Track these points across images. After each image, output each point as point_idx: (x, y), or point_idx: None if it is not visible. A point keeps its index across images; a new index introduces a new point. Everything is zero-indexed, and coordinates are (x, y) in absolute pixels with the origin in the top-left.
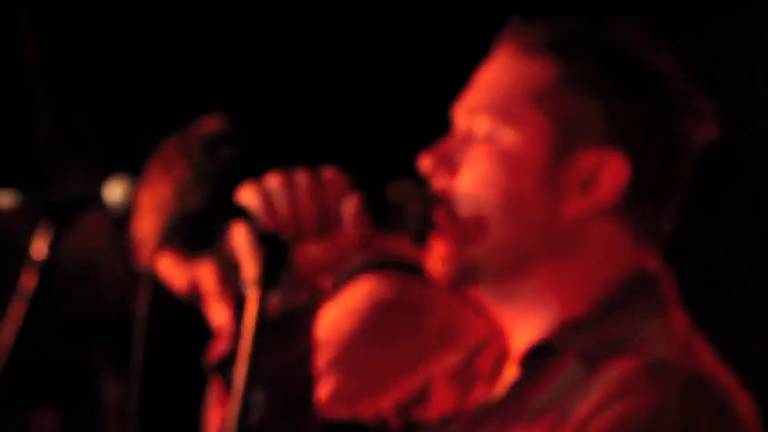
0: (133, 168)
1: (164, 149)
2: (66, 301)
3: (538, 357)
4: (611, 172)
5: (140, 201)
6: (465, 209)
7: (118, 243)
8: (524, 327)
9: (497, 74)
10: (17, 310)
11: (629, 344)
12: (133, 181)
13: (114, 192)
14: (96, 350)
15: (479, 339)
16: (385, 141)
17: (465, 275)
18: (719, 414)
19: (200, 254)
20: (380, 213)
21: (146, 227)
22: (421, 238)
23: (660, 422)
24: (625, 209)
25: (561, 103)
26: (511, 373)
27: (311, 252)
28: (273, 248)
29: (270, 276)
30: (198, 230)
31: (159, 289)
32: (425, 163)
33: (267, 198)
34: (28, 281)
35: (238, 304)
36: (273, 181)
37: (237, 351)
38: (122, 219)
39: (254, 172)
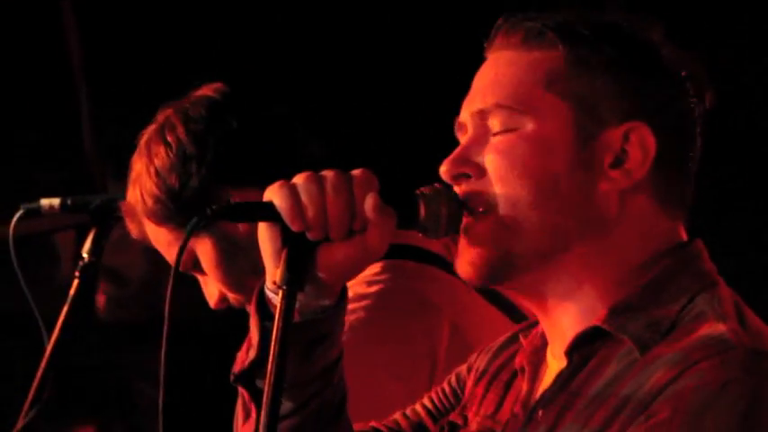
0: None
1: (162, 114)
2: (113, 307)
3: (587, 344)
4: (639, 145)
5: (134, 166)
6: (497, 202)
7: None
8: (566, 314)
9: (501, 69)
10: (61, 313)
11: (681, 323)
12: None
13: None
14: (135, 356)
15: (507, 336)
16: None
17: (501, 271)
18: None
19: (199, 230)
20: (408, 215)
21: (136, 195)
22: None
23: (724, 398)
24: (653, 180)
25: (575, 85)
26: (554, 362)
27: (337, 255)
28: (299, 250)
29: (294, 279)
30: (199, 206)
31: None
32: (445, 170)
33: (294, 197)
34: (71, 285)
35: (259, 308)
36: (301, 179)
37: (262, 360)
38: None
39: (252, 144)
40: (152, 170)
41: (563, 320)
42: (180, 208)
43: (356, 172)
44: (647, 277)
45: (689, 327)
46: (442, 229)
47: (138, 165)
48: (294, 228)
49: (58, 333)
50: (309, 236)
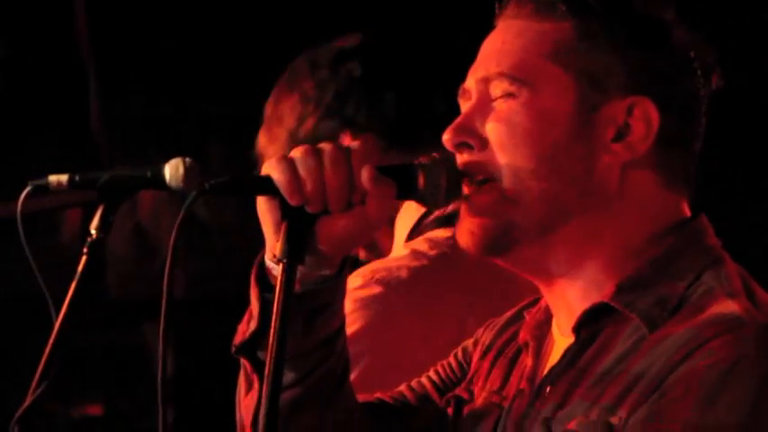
0: (186, 152)
1: (294, 63)
2: (121, 283)
3: (594, 320)
4: (642, 119)
5: (266, 112)
6: (498, 172)
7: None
8: (570, 288)
9: (509, 38)
10: (69, 291)
11: (690, 299)
12: (192, 163)
13: (174, 173)
14: (150, 332)
15: (512, 312)
16: None
17: (501, 242)
18: None
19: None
20: (407, 186)
21: (265, 140)
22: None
23: (737, 375)
24: (656, 157)
25: (581, 59)
26: (561, 337)
27: (336, 227)
28: (298, 223)
29: (294, 252)
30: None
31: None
32: (448, 138)
33: (292, 171)
34: (80, 262)
35: (259, 280)
36: (298, 153)
37: (262, 331)
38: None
39: (374, 92)
40: (278, 112)
41: (568, 294)
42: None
43: (354, 143)
44: (652, 253)
45: (698, 304)
46: (441, 198)
47: (268, 109)
48: (293, 202)
49: (66, 310)
50: (308, 209)
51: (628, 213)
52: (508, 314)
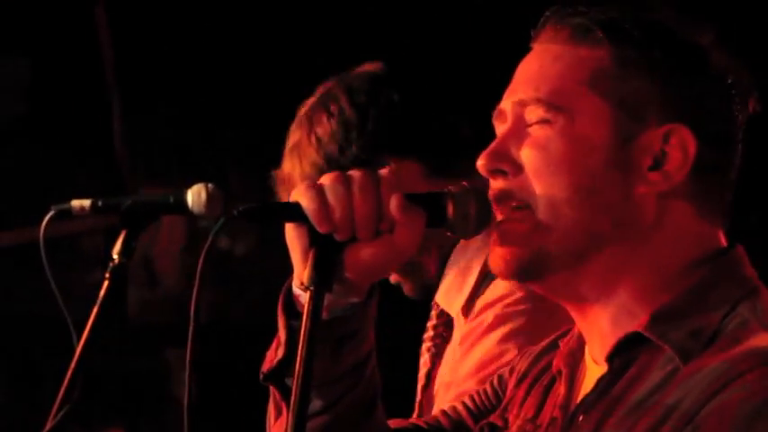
0: (207, 177)
1: (323, 87)
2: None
3: (627, 350)
4: (679, 147)
5: (292, 136)
6: (532, 200)
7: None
8: (603, 317)
9: (546, 63)
10: (90, 315)
11: (725, 331)
12: (214, 189)
13: (197, 199)
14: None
15: (548, 342)
16: None
17: (532, 269)
18: None
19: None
20: (437, 214)
21: (294, 163)
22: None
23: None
24: (693, 185)
25: (618, 86)
26: (593, 366)
27: (365, 255)
28: (326, 250)
29: (322, 279)
30: None
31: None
32: (482, 164)
33: (321, 198)
34: (101, 286)
35: (286, 308)
36: (328, 180)
37: (290, 359)
38: (199, 225)
39: (411, 117)
40: (313, 138)
41: (600, 322)
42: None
43: (383, 171)
44: (687, 283)
45: (732, 336)
46: (471, 227)
47: (298, 134)
48: (321, 229)
49: (88, 335)
50: (337, 237)
51: (663, 243)
52: (544, 343)
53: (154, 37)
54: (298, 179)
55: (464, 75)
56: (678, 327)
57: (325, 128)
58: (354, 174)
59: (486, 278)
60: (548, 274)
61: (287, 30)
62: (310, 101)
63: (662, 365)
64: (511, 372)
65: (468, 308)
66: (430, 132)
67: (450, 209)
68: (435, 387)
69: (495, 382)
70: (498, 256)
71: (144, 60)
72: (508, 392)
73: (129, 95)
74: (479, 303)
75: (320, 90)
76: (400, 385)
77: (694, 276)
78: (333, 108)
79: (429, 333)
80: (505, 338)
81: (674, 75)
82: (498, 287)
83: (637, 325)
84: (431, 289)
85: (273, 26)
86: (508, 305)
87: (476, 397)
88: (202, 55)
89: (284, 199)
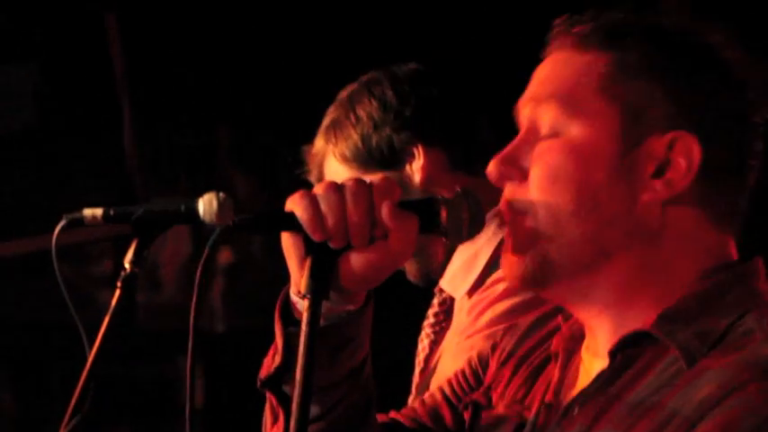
0: (217, 186)
1: (366, 76)
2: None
3: (630, 348)
4: (684, 154)
5: (328, 115)
6: (537, 209)
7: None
8: (610, 321)
9: (556, 69)
10: (102, 324)
11: (730, 339)
12: (225, 198)
13: (208, 207)
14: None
15: (537, 316)
16: None
17: (539, 277)
18: None
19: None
20: (430, 220)
21: (329, 138)
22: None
23: None
24: (699, 192)
25: (623, 91)
26: (591, 359)
27: (360, 261)
28: (322, 258)
29: (319, 287)
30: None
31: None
32: (491, 170)
33: (314, 207)
34: (112, 295)
35: (283, 315)
36: (321, 189)
37: (286, 366)
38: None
39: (448, 113)
40: (352, 116)
41: (606, 326)
42: (368, 150)
43: (376, 179)
44: (694, 291)
45: (735, 343)
46: (465, 233)
47: (337, 112)
48: (315, 237)
49: (99, 343)
50: (331, 244)
51: (672, 251)
52: (532, 317)
53: (165, 45)
54: (329, 155)
55: (489, 81)
56: (685, 327)
57: (365, 107)
58: (347, 182)
59: (494, 265)
60: (553, 281)
61: (299, 38)
62: (352, 86)
63: (665, 366)
64: (493, 348)
65: (473, 292)
66: (459, 128)
67: (444, 214)
68: (433, 376)
69: (475, 361)
70: (506, 262)
71: (155, 68)
72: (490, 371)
73: (139, 103)
74: (489, 280)
75: (364, 78)
76: (400, 368)
77: (705, 283)
78: (376, 90)
79: (430, 320)
80: (513, 308)
81: (677, 78)
82: None
83: (643, 324)
84: (433, 277)
85: (285, 35)
86: None
87: (453, 381)
88: (213, 63)
89: (313, 173)
